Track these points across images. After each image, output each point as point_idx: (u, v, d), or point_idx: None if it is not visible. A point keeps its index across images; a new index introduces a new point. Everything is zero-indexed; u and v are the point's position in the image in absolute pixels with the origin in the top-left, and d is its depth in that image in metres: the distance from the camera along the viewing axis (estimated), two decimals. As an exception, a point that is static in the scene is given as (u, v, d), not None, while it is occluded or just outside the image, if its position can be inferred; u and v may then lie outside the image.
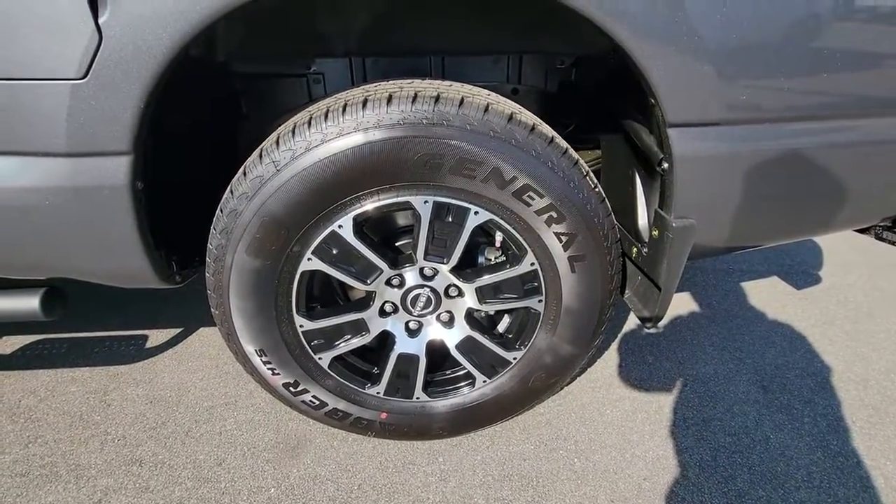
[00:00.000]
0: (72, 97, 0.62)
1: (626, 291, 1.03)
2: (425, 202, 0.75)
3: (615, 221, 0.82)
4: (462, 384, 0.97)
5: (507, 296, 0.89)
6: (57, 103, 0.63)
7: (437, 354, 0.95)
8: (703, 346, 1.36)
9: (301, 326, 0.85)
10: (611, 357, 1.31)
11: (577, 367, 0.96)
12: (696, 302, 1.56)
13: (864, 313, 1.51)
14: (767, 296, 1.60)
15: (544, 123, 0.77)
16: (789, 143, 0.75)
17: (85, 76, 0.61)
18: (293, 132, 0.69)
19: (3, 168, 0.69)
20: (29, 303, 0.88)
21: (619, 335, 1.39)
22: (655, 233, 0.85)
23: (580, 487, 0.94)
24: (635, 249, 0.96)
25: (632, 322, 1.44)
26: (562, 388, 1.08)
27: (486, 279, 0.86)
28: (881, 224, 0.97)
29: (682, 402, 1.15)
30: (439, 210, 0.77)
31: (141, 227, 0.75)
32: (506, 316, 1.01)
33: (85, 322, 1.42)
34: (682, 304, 1.55)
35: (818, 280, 1.70)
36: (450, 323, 0.93)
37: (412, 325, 0.93)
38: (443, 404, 0.97)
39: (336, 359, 0.91)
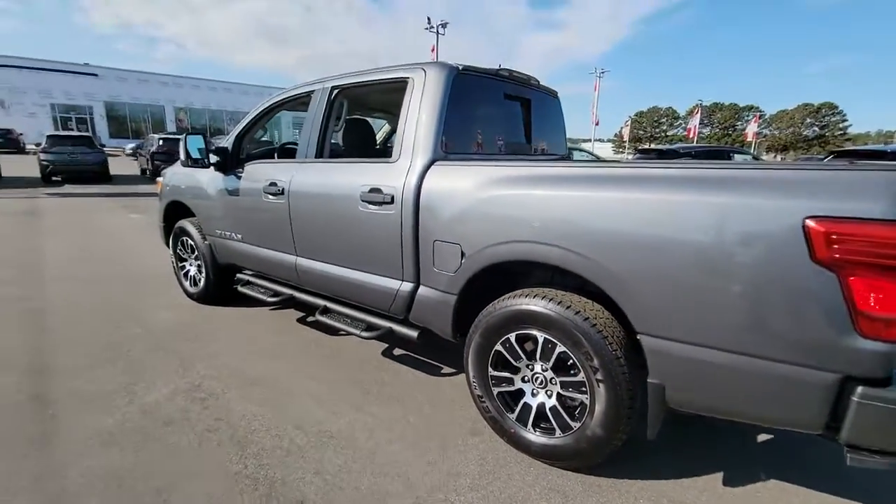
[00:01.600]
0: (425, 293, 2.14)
1: None
2: (540, 334, 1.88)
3: (626, 370, 1.69)
4: (548, 431, 1.94)
5: (574, 391, 1.85)
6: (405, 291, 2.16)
7: (541, 410, 1.97)
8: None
9: (489, 372, 2.07)
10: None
11: (605, 447, 1.78)
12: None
13: None
14: None
15: (597, 318, 1.77)
16: (714, 360, 1.48)
17: (454, 272, 2.11)
18: (504, 300, 1.99)
19: (407, 287, 2.28)
20: (415, 333, 2.45)
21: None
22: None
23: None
24: (652, 390, 1.73)
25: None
26: (599, 459, 1.85)
27: (564, 378, 1.87)
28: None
29: None
30: (546, 340, 1.87)
31: (453, 317, 2.18)
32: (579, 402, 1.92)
33: (418, 348, 3.05)
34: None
35: None
36: (550, 396, 1.95)
37: (534, 391, 2.00)
38: (537, 438, 1.96)
39: (500, 392, 2.07)
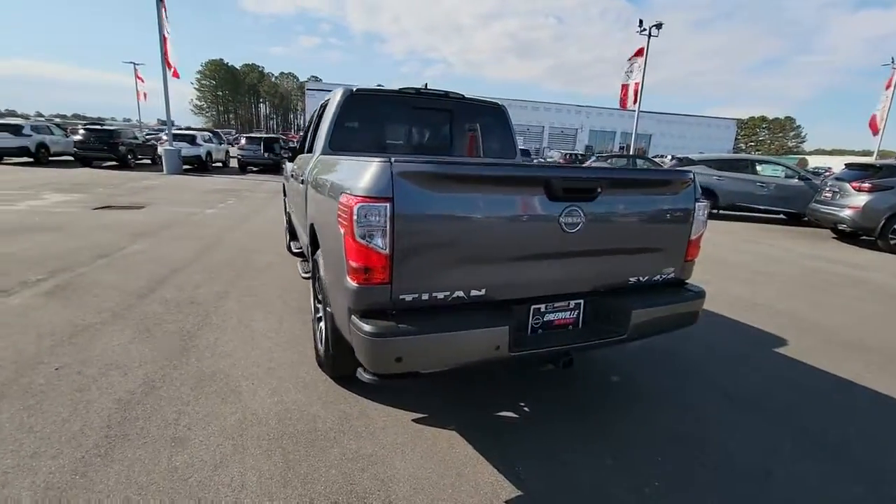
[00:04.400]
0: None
1: None
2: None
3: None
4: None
5: (324, 321, 2.59)
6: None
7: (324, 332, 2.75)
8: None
9: (315, 303, 2.95)
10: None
11: (333, 362, 2.48)
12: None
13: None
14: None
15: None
16: (333, 294, 2.08)
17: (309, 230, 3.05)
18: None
19: (307, 240, 3.29)
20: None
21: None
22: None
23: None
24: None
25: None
26: (337, 372, 2.55)
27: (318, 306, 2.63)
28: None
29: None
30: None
31: (311, 261, 3.13)
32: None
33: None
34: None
35: None
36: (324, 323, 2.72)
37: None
38: (319, 350, 2.76)
39: (316, 317, 2.92)
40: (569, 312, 2.13)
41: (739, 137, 76.55)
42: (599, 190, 1.98)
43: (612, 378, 2.91)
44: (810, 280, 5.81)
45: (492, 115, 3.71)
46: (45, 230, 6.38)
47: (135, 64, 32.36)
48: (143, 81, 33.42)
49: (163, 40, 16.00)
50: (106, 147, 16.81)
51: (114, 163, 17.54)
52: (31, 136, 16.50)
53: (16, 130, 16.26)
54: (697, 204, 2.29)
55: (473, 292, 1.88)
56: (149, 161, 19.66)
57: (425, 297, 1.81)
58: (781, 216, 11.04)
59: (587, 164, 15.29)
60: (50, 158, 17.48)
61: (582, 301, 2.14)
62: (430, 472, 1.97)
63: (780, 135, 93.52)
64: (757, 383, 2.93)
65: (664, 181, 2.25)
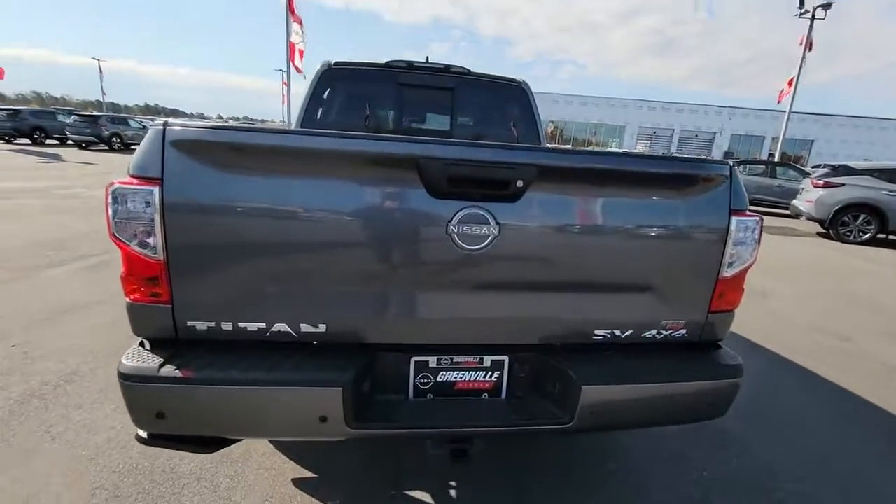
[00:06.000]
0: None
1: None
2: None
3: None
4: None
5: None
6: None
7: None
8: None
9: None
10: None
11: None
12: None
13: None
14: None
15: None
16: None
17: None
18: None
19: None
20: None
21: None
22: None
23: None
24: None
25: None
26: None
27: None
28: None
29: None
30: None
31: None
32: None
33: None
34: None
35: None
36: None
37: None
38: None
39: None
40: (483, 373, 1.38)
41: (947, 146, 60.22)
42: (521, 184, 1.20)
43: (609, 465, 2.01)
44: None
45: (508, 96, 2.95)
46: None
47: (282, 71, 36.71)
48: (286, 86, 37.72)
49: (289, 46, 17.53)
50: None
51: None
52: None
53: (175, 127, 19.30)
54: (737, 219, 1.35)
55: (306, 327, 1.26)
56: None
57: (227, 327, 1.23)
58: None
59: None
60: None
61: (506, 358, 1.37)
62: (251, 571, 1.40)
63: None
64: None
65: (663, 175, 1.34)
